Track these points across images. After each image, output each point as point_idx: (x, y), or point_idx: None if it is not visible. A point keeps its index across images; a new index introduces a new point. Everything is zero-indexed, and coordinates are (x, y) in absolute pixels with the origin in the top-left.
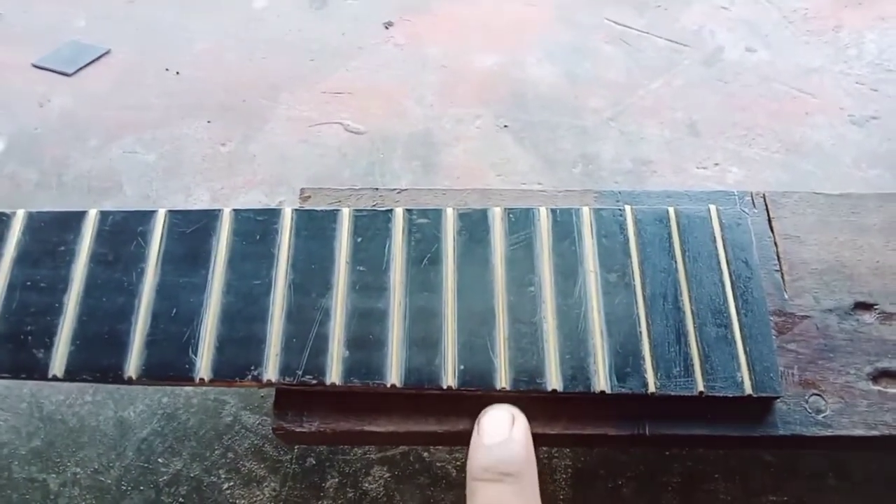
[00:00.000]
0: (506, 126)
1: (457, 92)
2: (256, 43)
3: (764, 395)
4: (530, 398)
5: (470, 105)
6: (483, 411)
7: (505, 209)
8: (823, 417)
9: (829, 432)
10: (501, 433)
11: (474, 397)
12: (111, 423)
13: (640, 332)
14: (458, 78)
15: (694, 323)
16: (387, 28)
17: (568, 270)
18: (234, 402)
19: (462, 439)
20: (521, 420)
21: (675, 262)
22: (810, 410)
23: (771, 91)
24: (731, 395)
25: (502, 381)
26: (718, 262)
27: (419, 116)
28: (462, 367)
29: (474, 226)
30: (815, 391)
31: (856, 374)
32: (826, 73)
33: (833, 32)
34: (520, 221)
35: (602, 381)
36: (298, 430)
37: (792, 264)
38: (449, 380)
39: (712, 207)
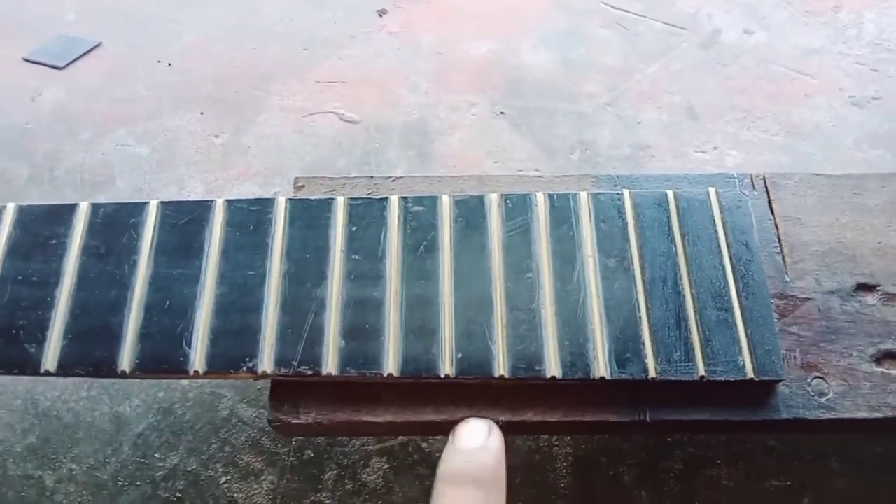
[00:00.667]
0: (502, 113)
1: (451, 79)
2: (248, 33)
3: (766, 378)
4: (529, 385)
5: (465, 92)
6: (461, 422)
7: (502, 195)
8: (826, 400)
9: (832, 415)
10: (477, 441)
11: (472, 386)
12: (107, 419)
13: (640, 317)
14: (452, 65)
15: (694, 307)
16: (380, 16)
17: (566, 256)
18: (231, 396)
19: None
20: (496, 432)
21: (675, 245)
22: (813, 393)
23: (769, 73)
24: (732, 380)
25: (500, 368)
26: (719, 245)
27: (414, 105)
28: (460, 355)
29: (471, 212)
30: (818, 374)
31: (859, 357)
32: (825, 54)
33: (832, 13)
34: (517, 207)
35: (602, 367)
36: (295, 421)
37: (793, 246)
38: (447, 368)
39: (711, 190)
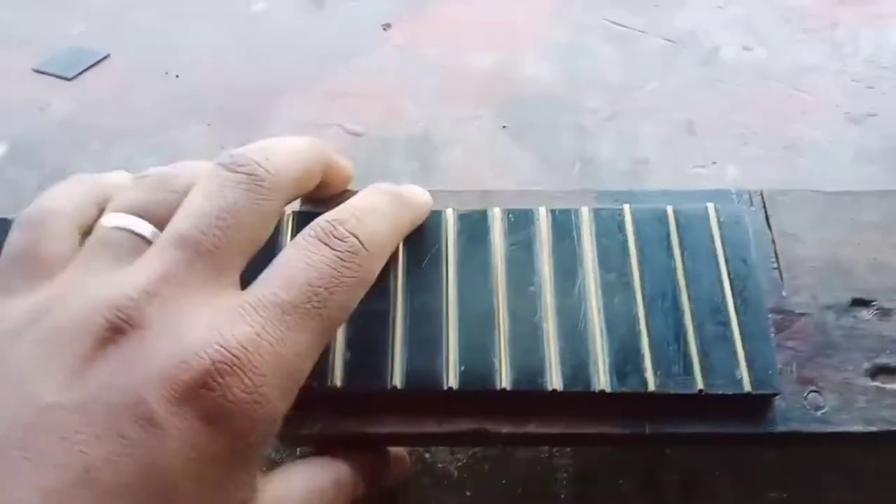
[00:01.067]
0: (504, 126)
1: (455, 93)
2: (255, 45)
3: (763, 392)
4: (531, 398)
5: (468, 106)
6: None
7: (504, 210)
8: (822, 414)
9: (828, 429)
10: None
11: (475, 399)
12: None
13: (640, 332)
14: (456, 79)
15: (693, 321)
16: (385, 30)
17: (568, 270)
18: None
19: (464, 439)
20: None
21: (674, 260)
22: (809, 407)
23: (768, 89)
24: (730, 393)
25: (503, 381)
26: (717, 261)
27: (418, 117)
28: (463, 368)
29: (474, 226)
30: (814, 388)
31: (854, 371)
32: (823, 71)
33: (829, 30)
34: (519, 222)
35: (602, 380)
36: (301, 432)
37: (790, 262)
38: (450, 381)
39: (710, 206)
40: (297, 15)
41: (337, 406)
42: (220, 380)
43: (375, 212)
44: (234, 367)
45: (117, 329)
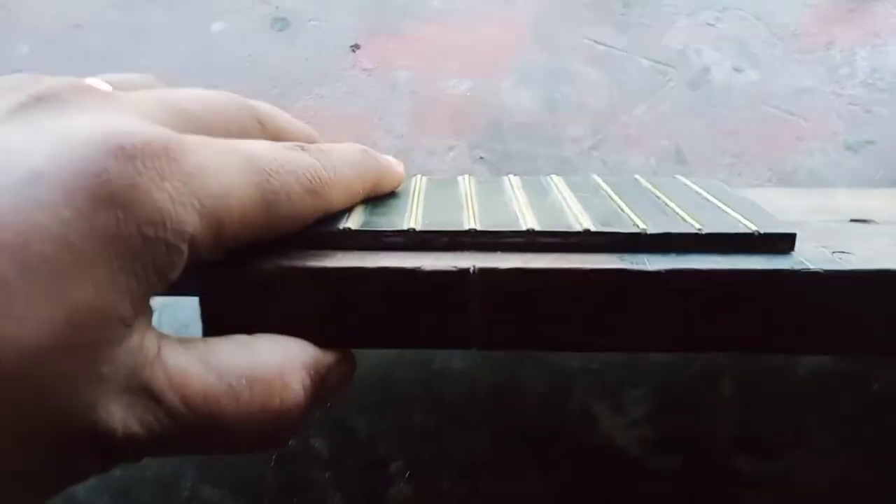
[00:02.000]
0: (481, 158)
1: (428, 121)
2: (214, 69)
3: (773, 231)
4: (505, 242)
5: (443, 135)
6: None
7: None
8: (849, 260)
9: (860, 266)
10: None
11: (442, 239)
12: (58, 500)
13: (621, 208)
14: (429, 105)
15: (679, 206)
16: (353, 51)
17: (540, 193)
18: (192, 475)
19: (423, 277)
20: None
21: (653, 192)
22: (834, 255)
23: (760, 114)
24: (734, 232)
25: (471, 222)
26: (697, 191)
27: (389, 148)
28: (426, 214)
29: (444, 182)
30: (838, 250)
31: (877, 245)
32: (818, 94)
33: (824, 49)
34: (489, 180)
35: (585, 220)
36: (245, 269)
37: (774, 209)
38: (411, 222)
39: (679, 176)
40: (259, 35)
41: (276, 248)
42: (137, 158)
43: (343, 153)
44: (158, 154)
45: (40, 97)
